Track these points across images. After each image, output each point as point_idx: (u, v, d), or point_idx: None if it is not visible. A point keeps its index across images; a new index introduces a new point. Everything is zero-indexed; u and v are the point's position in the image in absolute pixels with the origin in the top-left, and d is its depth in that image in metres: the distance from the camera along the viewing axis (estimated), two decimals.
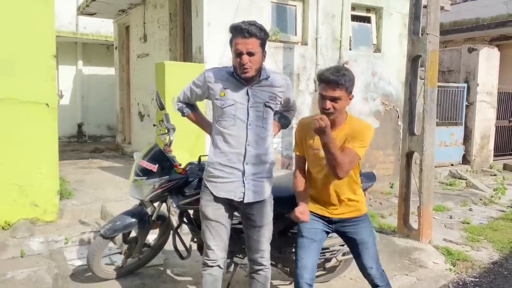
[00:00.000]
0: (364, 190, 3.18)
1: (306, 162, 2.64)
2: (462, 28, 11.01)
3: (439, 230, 5.10)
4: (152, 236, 3.61)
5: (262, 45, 2.39)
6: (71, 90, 12.11)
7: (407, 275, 3.84)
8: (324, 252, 3.31)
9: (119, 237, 3.43)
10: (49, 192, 4.46)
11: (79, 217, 4.68)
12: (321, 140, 2.33)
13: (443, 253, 4.37)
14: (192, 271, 3.68)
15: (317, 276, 3.39)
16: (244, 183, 2.47)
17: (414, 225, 4.72)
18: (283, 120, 2.82)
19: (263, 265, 2.62)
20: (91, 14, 9.08)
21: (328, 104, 2.38)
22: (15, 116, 4.24)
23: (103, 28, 11.25)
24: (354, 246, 2.61)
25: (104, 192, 5.42)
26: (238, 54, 2.34)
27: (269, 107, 2.49)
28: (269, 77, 2.49)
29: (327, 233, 2.65)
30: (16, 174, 4.27)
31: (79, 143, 11.36)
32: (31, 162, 4.33)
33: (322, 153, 2.44)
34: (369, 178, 3.23)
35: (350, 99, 2.45)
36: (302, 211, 2.53)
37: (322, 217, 2.59)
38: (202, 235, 2.60)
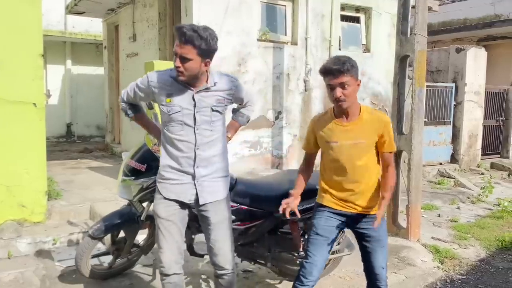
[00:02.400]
0: None
1: (322, 158, 2.63)
2: (450, 28, 11.12)
3: (428, 229, 5.15)
4: (141, 236, 3.60)
5: (201, 55, 2.28)
6: (60, 90, 11.99)
7: (395, 273, 3.87)
8: None
9: (107, 238, 3.40)
10: (36, 192, 4.41)
11: (67, 217, 4.64)
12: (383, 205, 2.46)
13: (431, 251, 4.41)
14: None
15: None
16: (195, 185, 2.45)
17: (403, 224, 4.76)
18: (240, 117, 2.82)
19: (225, 268, 2.55)
20: (80, 13, 9.00)
21: (339, 92, 2.36)
22: (2, 116, 4.18)
23: (92, 27, 11.17)
24: (369, 243, 2.54)
25: (92, 192, 5.39)
26: (174, 55, 2.29)
27: (217, 111, 2.45)
28: (216, 83, 2.44)
29: (341, 230, 2.61)
30: (3, 174, 4.22)
31: (68, 143, 11.26)
32: (18, 162, 4.28)
33: (338, 145, 2.47)
34: None
35: (358, 84, 2.43)
36: (288, 202, 2.55)
37: (339, 213, 2.54)
38: (156, 237, 2.56)
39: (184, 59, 2.26)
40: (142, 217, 3.26)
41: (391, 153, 2.54)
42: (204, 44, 2.26)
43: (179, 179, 2.45)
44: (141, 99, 2.55)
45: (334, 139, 2.48)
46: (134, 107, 2.63)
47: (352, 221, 2.55)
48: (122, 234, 3.39)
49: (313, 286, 2.53)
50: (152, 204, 3.25)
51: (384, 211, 2.49)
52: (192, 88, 2.38)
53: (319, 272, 2.53)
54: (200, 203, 2.47)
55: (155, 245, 3.56)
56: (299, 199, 2.62)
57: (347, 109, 2.44)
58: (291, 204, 2.55)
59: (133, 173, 3.07)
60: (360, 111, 2.49)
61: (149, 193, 3.11)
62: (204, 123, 2.42)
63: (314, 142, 2.62)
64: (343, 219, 2.54)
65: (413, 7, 4.63)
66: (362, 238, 2.58)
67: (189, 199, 2.47)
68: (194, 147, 2.42)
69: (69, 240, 4.23)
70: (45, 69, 11.70)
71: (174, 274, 2.52)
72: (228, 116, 2.70)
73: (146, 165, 3.03)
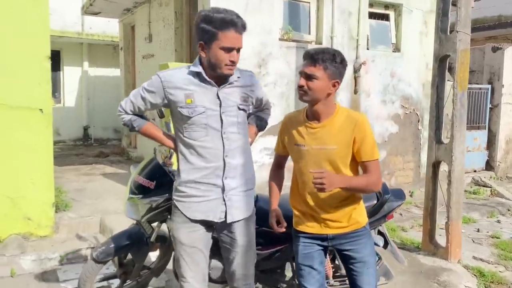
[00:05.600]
0: (392, 210, 2.82)
1: (293, 171, 2.34)
2: (483, 26, 10.51)
3: (467, 246, 4.67)
4: (152, 257, 3.26)
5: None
6: (77, 92, 11.85)
7: None
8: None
9: (115, 260, 3.07)
10: (43, 204, 4.17)
11: (76, 231, 4.38)
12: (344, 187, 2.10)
13: (475, 275, 3.96)
14: None
15: None
16: (224, 200, 2.13)
17: (441, 241, 4.30)
18: (259, 121, 2.47)
19: None
20: (95, 14, 8.80)
21: (302, 81, 2.12)
22: (6, 123, 3.95)
23: (109, 28, 10.95)
24: (352, 266, 2.25)
25: (104, 202, 5.10)
26: (229, 49, 2.01)
27: (243, 109, 2.17)
28: (239, 77, 2.16)
29: (325, 250, 2.30)
30: (7, 185, 3.98)
31: (84, 147, 11.11)
32: (23, 172, 4.04)
33: (305, 150, 2.17)
34: (397, 196, 2.85)
35: (334, 85, 2.13)
36: (274, 219, 2.31)
37: (315, 237, 2.24)
38: (176, 264, 2.27)
39: (239, 51, 2.09)
40: (152, 239, 2.93)
41: (373, 162, 2.13)
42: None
43: (206, 195, 2.13)
44: (151, 105, 2.19)
45: (302, 142, 2.20)
46: (140, 118, 2.26)
47: (331, 242, 2.25)
48: (130, 256, 3.05)
49: None
50: (163, 224, 2.93)
51: (344, 182, 2.08)
52: (215, 85, 2.08)
53: None
54: (228, 221, 2.16)
55: (168, 266, 3.27)
56: (279, 211, 2.34)
57: (316, 109, 2.15)
58: (283, 222, 2.29)
59: (141, 190, 2.73)
60: (335, 111, 2.17)
61: (160, 213, 2.77)
62: (231, 125, 2.12)
63: (284, 144, 2.34)
64: (322, 242, 2.25)
65: (453, 3, 4.17)
66: (345, 260, 2.31)
67: (219, 217, 2.16)
68: (222, 154, 2.11)
69: (78, 256, 3.97)
70: (62, 71, 11.60)
71: None
72: None
73: (156, 181, 2.69)
